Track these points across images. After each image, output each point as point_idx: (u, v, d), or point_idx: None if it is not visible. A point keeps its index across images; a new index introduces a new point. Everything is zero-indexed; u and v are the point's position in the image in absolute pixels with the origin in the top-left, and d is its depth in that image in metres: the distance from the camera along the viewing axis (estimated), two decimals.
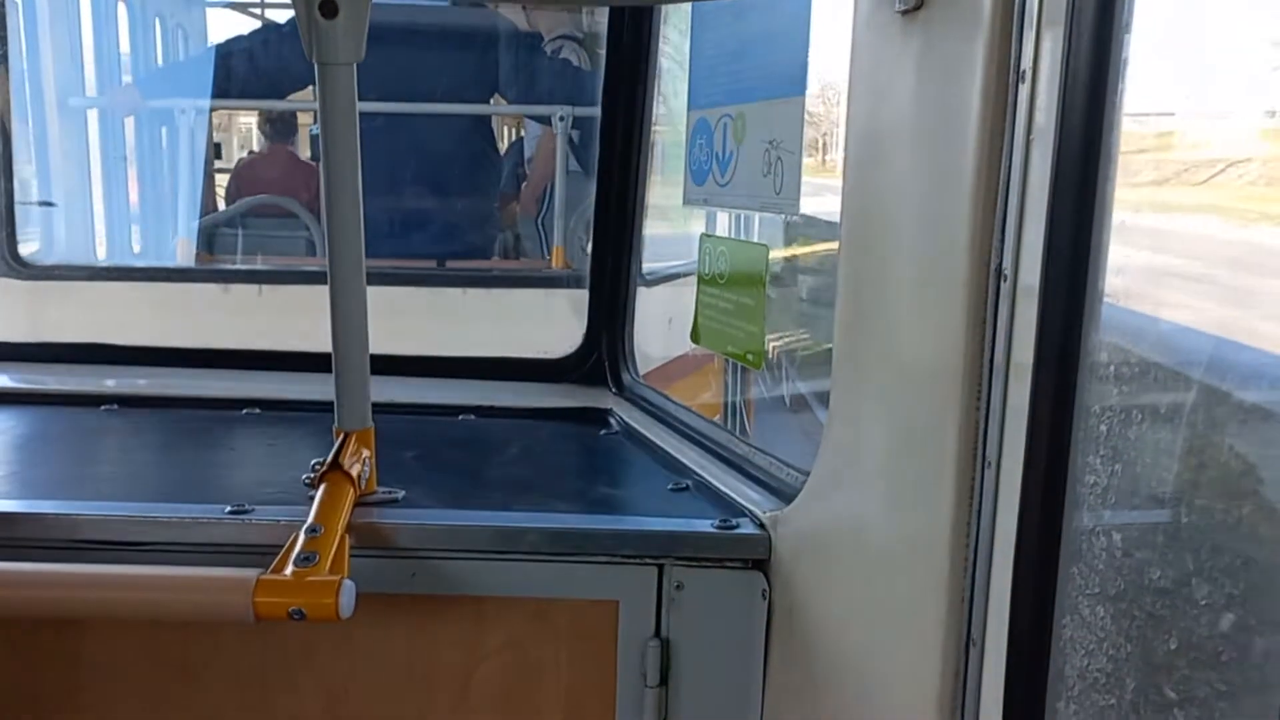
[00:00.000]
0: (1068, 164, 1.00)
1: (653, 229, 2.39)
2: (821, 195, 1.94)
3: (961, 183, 1.10)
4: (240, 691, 1.71)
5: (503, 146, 5.25)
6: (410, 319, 3.03)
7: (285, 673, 1.70)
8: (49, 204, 3.88)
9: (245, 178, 4.96)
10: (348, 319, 1.63)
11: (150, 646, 1.69)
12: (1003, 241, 1.07)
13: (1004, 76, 1.06)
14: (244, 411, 2.28)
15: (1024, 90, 1.04)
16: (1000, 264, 1.07)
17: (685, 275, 2.21)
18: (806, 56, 1.65)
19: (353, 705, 1.71)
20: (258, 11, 5.77)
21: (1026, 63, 1.04)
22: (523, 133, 5.08)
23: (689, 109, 2.01)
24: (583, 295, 2.51)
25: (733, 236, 2.21)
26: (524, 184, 4.87)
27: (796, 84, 1.67)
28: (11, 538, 1.64)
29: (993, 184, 1.08)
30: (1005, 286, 1.07)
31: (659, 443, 2.08)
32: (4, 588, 1.37)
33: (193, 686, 1.71)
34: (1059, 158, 1.00)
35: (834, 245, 1.39)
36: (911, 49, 1.21)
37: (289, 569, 1.39)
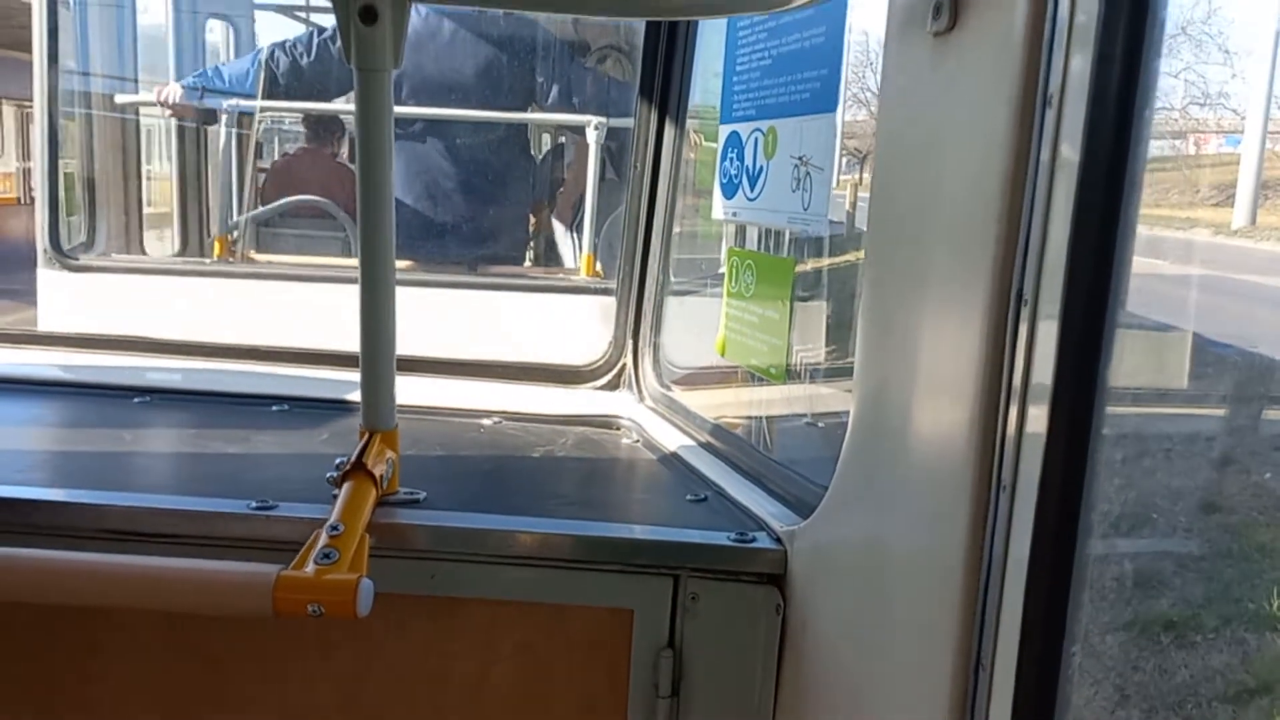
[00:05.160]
0: (1091, 190, 1.00)
1: None
2: None
3: (985, 205, 1.10)
4: (257, 684, 1.73)
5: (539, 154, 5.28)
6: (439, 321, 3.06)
7: (302, 668, 1.72)
8: None
9: (280, 177, 5.03)
10: (376, 320, 1.65)
11: (170, 637, 1.72)
12: (1024, 265, 1.07)
13: (1030, 99, 1.06)
14: (274, 408, 2.32)
15: (1050, 115, 1.04)
16: (1021, 288, 1.07)
17: None
18: (839, 73, 1.65)
19: (368, 702, 1.72)
20: (303, 15, 5.86)
21: (1054, 88, 1.04)
22: (562, 140, 5.11)
23: (721, 122, 2.02)
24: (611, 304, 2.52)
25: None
26: (559, 191, 4.90)
27: (829, 100, 1.67)
28: (38, 524, 1.67)
29: (1016, 207, 1.07)
30: (1026, 310, 1.07)
31: (680, 453, 2.08)
32: (27, 574, 1.40)
33: (210, 678, 1.73)
34: (1083, 183, 1.00)
35: None
36: (942, 70, 1.21)
37: (309, 566, 1.41)
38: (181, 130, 4.68)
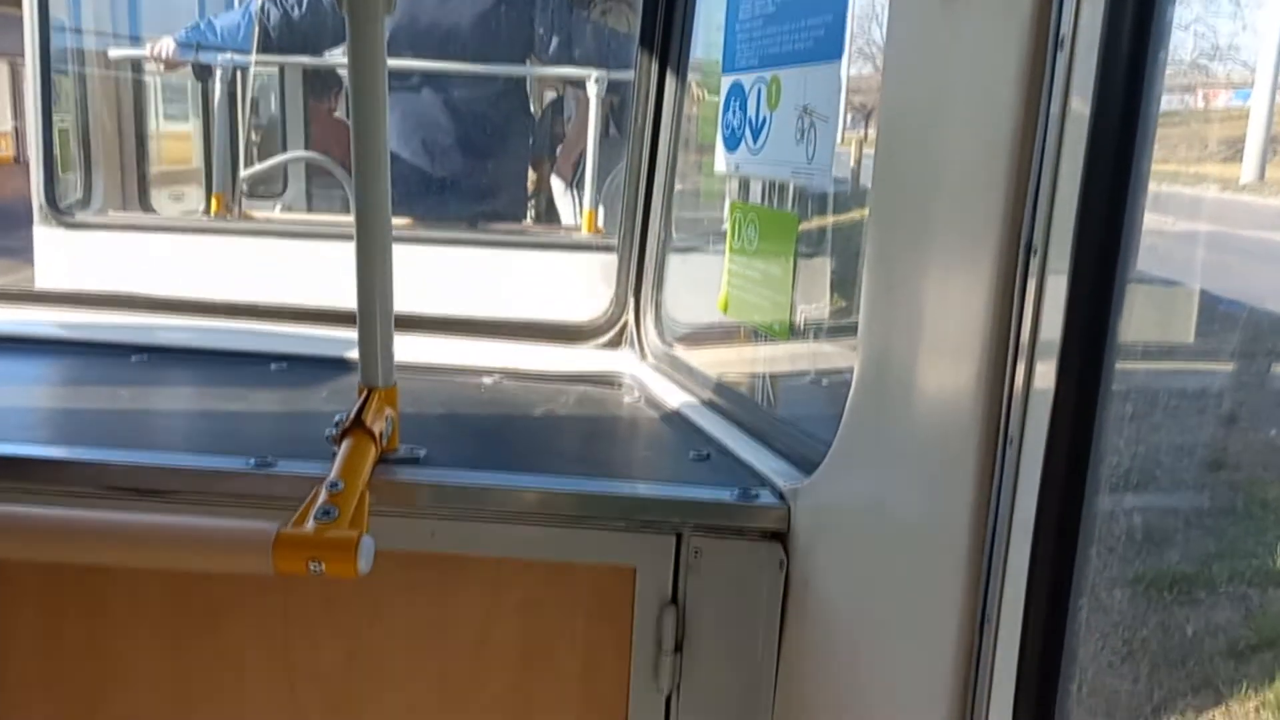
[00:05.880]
0: (1103, 137, 0.97)
1: None
2: None
3: (994, 154, 1.08)
4: (260, 641, 1.73)
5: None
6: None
7: (305, 625, 1.72)
8: None
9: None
10: (373, 275, 1.64)
11: (172, 594, 1.72)
12: (1034, 215, 1.04)
13: (1042, 45, 1.03)
14: (272, 366, 2.31)
15: (1061, 59, 1.01)
16: (1030, 239, 1.05)
17: None
18: (844, 19, 1.62)
19: (371, 659, 1.73)
20: None
21: (1066, 29, 1.01)
22: (562, 94, 5.04)
23: (723, 72, 1.98)
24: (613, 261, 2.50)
25: None
26: (560, 147, 4.85)
27: (834, 48, 1.63)
28: (39, 482, 1.67)
29: (1026, 156, 1.05)
30: (1035, 262, 1.05)
31: (683, 410, 2.07)
32: (28, 532, 1.39)
33: (213, 635, 1.73)
34: (1095, 130, 0.97)
35: None
36: (950, 15, 1.18)
37: (309, 523, 1.40)
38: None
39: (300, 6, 3.90)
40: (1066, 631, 1.04)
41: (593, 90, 3.75)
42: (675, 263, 2.44)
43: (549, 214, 4.67)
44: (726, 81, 1.97)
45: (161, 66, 4.13)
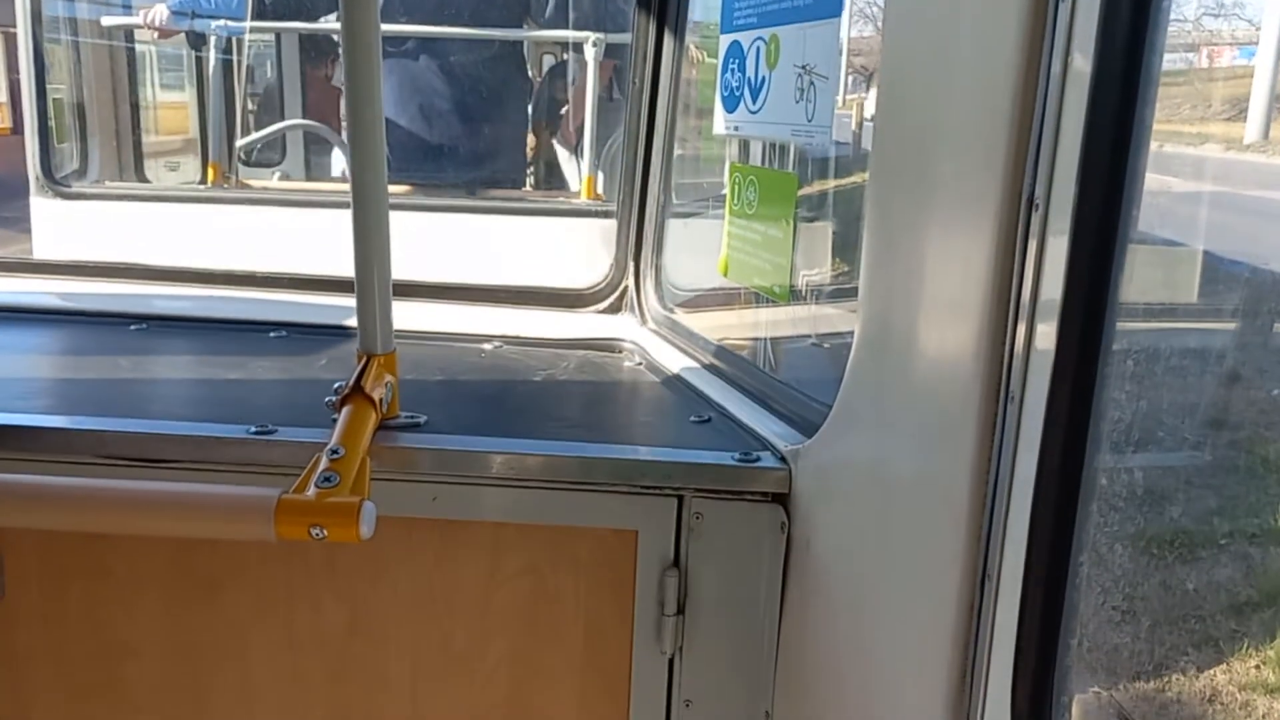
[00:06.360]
0: (1106, 88, 0.96)
1: None
2: None
3: (996, 111, 1.06)
4: (263, 609, 1.74)
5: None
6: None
7: (308, 592, 1.73)
8: None
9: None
10: (370, 241, 1.63)
11: (174, 562, 1.73)
12: (1035, 168, 1.03)
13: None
14: (271, 334, 2.30)
15: (1063, 13, 0.99)
16: (1033, 192, 1.04)
17: None
18: None
19: (374, 625, 1.74)
20: None
21: None
22: (566, 58, 5.00)
23: (721, 32, 1.96)
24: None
25: None
26: (562, 112, 4.81)
27: (832, 5, 1.61)
28: (40, 452, 1.67)
29: (1027, 113, 1.03)
30: (1037, 217, 1.04)
31: (683, 374, 2.07)
32: (30, 501, 1.39)
33: (216, 603, 1.74)
34: (1097, 81, 0.96)
35: None
36: None
37: (310, 489, 1.40)
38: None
39: None
40: (1067, 588, 1.04)
41: (590, 53, 3.71)
42: (675, 227, 2.43)
43: (549, 179, 4.64)
44: (725, 41, 1.95)
45: (155, 34, 4.10)
